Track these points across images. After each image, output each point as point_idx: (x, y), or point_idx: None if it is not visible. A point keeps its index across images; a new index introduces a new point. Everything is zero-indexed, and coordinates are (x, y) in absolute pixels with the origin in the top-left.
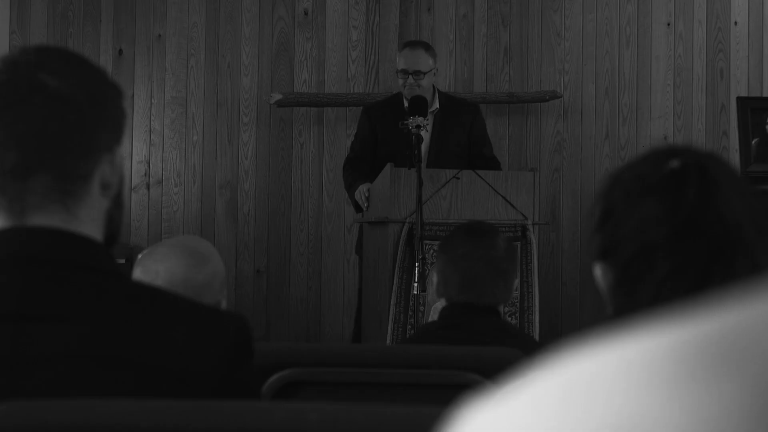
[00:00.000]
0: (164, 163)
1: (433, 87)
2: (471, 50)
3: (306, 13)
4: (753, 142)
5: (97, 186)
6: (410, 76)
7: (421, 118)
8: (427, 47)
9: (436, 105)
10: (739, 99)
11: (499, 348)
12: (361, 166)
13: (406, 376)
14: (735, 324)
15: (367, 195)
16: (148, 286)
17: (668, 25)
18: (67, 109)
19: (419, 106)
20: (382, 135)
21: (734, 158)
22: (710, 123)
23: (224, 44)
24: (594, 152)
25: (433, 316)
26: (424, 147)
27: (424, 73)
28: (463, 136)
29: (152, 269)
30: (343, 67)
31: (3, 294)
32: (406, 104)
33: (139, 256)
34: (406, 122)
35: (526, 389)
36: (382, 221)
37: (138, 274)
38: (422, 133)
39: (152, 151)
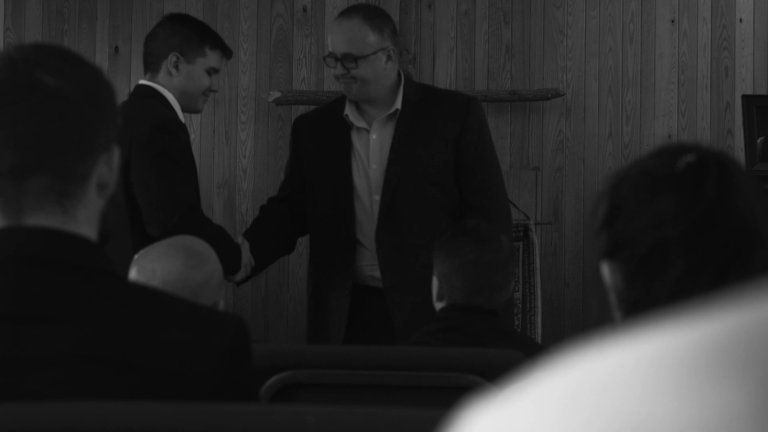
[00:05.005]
0: None
1: (401, 75)
2: (472, 47)
3: (305, 10)
4: (758, 140)
5: (95, 186)
6: (339, 63)
7: None
8: (368, 14)
9: (397, 105)
10: (744, 97)
11: (501, 350)
12: (273, 213)
13: (407, 378)
14: (742, 325)
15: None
16: (146, 287)
17: (672, 22)
18: (65, 109)
19: None
20: (311, 161)
21: (739, 157)
22: (715, 121)
23: None
24: (597, 151)
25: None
26: (376, 173)
27: (360, 58)
28: (444, 151)
29: (149, 269)
30: None
31: (0, 294)
32: (346, 110)
33: (136, 256)
34: None
35: (529, 391)
36: None
37: (134, 274)
38: (372, 150)
39: None
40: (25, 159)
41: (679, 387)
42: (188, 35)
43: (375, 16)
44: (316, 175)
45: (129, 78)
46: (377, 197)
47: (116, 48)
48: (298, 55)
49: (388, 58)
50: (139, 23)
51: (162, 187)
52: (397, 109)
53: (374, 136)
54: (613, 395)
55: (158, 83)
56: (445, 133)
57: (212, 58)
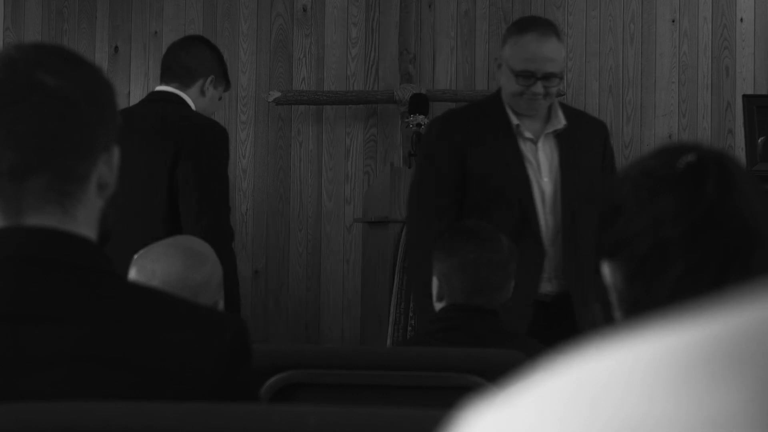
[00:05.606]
0: None
1: None
2: (473, 47)
3: (305, 10)
4: (759, 140)
5: (95, 186)
6: (538, 82)
7: (422, 117)
8: (556, 30)
9: (561, 121)
10: (744, 97)
11: (501, 350)
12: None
13: (407, 378)
14: (741, 326)
15: None
16: (145, 287)
17: (673, 21)
18: (65, 109)
19: (420, 104)
20: (478, 162)
21: (740, 157)
22: (715, 121)
23: (221, 41)
24: None
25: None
26: (548, 186)
27: (558, 76)
28: (596, 169)
29: (148, 269)
30: (343, 64)
31: (0, 294)
32: (515, 120)
33: (135, 256)
34: (407, 120)
35: (529, 391)
36: (382, 221)
37: (133, 274)
38: (543, 163)
39: None
40: (25, 159)
41: (679, 387)
42: (219, 62)
43: (560, 33)
44: (487, 179)
45: (129, 78)
46: (547, 209)
47: (116, 48)
48: (298, 55)
49: None
50: (139, 23)
51: (205, 193)
52: (562, 126)
53: (541, 149)
54: (612, 396)
55: (185, 95)
56: (595, 152)
57: (224, 88)
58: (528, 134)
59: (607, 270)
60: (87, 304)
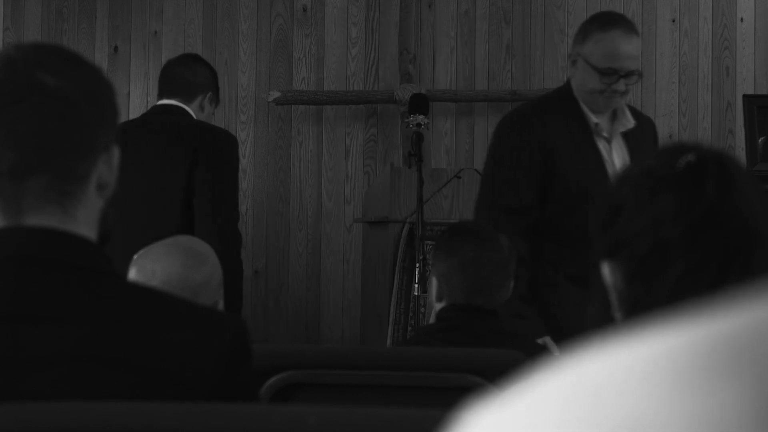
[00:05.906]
0: None
1: None
2: (473, 47)
3: (305, 10)
4: (759, 140)
5: (94, 186)
6: (621, 80)
7: (422, 117)
8: (635, 27)
9: (631, 120)
10: (745, 97)
11: (501, 350)
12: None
13: (407, 379)
14: (741, 326)
15: None
16: (146, 287)
17: (673, 21)
18: (66, 109)
19: (420, 104)
20: (563, 164)
21: (740, 157)
22: (716, 121)
23: (221, 41)
24: None
25: (434, 318)
26: None
27: (637, 73)
28: None
29: (148, 269)
30: (343, 64)
31: (0, 294)
32: (594, 119)
33: (135, 256)
34: (407, 120)
35: (529, 392)
36: (382, 221)
37: (133, 274)
38: (616, 162)
39: None
40: (25, 159)
41: (677, 388)
42: (215, 80)
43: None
44: (571, 178)
45: (129, 78)
46: None
47: (116, 48)
48: (298, 55)
49: None
50: (139, 23)
51: (217, 198)
52: (633, 125)
53: (614, 148)
54: (611, 396)
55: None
56: (651, 150)
57: (215, 105)
58: (605, 133)
59: (607, 270)
60: (87, 304)
